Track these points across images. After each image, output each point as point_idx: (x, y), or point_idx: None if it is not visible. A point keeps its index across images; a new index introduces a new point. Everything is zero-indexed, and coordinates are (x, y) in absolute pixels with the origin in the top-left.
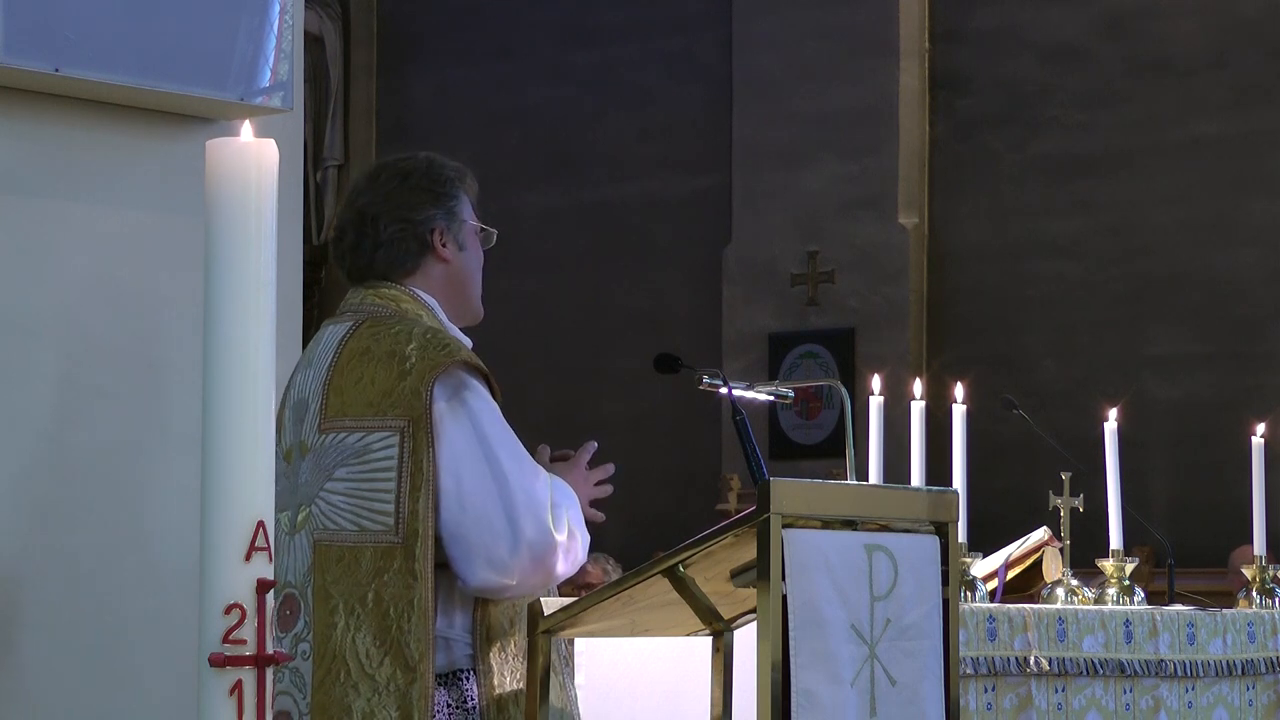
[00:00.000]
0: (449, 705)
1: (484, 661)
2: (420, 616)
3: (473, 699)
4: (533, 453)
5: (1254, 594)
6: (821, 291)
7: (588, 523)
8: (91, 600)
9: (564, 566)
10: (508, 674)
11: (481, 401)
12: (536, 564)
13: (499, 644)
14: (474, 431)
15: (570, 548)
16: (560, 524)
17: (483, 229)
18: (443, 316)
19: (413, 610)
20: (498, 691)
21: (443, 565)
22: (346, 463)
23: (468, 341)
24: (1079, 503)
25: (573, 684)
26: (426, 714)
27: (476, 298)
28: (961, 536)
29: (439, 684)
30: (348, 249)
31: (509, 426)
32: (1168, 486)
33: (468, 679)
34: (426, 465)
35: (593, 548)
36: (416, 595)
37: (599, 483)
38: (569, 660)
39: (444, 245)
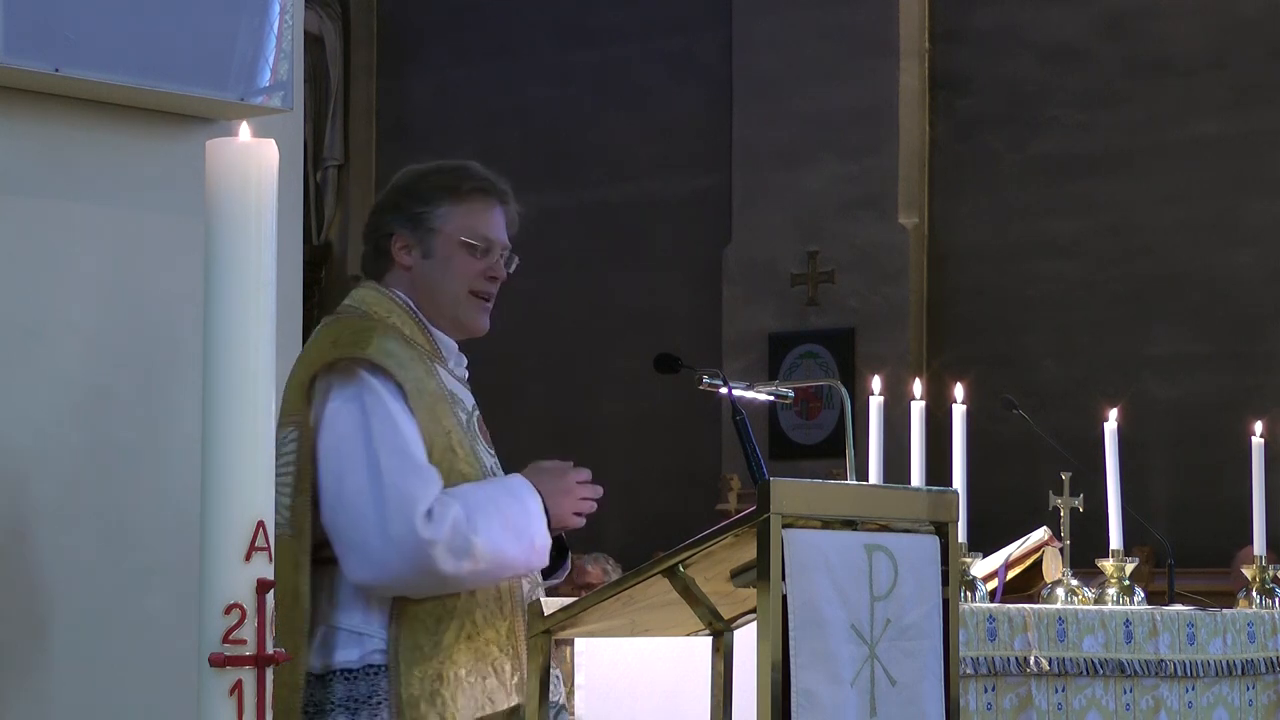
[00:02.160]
0: (354, 699)
1: (397, 658)
2: (297, 608)
3: (382, 694)
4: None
5: (1254, 594)
6: (821, 291)
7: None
8: (91, 600)
9: (453, 566)
10: (425, 671)
11: (374, 398)
12: (408, 562)
13: (417, 641)
14: (362, 429)
15: (458, 546)
16: (441, 522)
17: (466, 242)
18: (423, 318)
19: (292, 601)
20: (410, 689)
21: None
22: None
23: (451, 345)
24: (1079, 503)
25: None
26: (289, 707)
27: (454, 306)
28: (961, 536)
29: (348, 678)
30: None
31: (407, 424)
32: (1168, 486)
33: (378, 674)
34: (308, 461)
35: (593, 548)
36: (296, 585)
37: (585, 498)
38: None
39: (404, 252)
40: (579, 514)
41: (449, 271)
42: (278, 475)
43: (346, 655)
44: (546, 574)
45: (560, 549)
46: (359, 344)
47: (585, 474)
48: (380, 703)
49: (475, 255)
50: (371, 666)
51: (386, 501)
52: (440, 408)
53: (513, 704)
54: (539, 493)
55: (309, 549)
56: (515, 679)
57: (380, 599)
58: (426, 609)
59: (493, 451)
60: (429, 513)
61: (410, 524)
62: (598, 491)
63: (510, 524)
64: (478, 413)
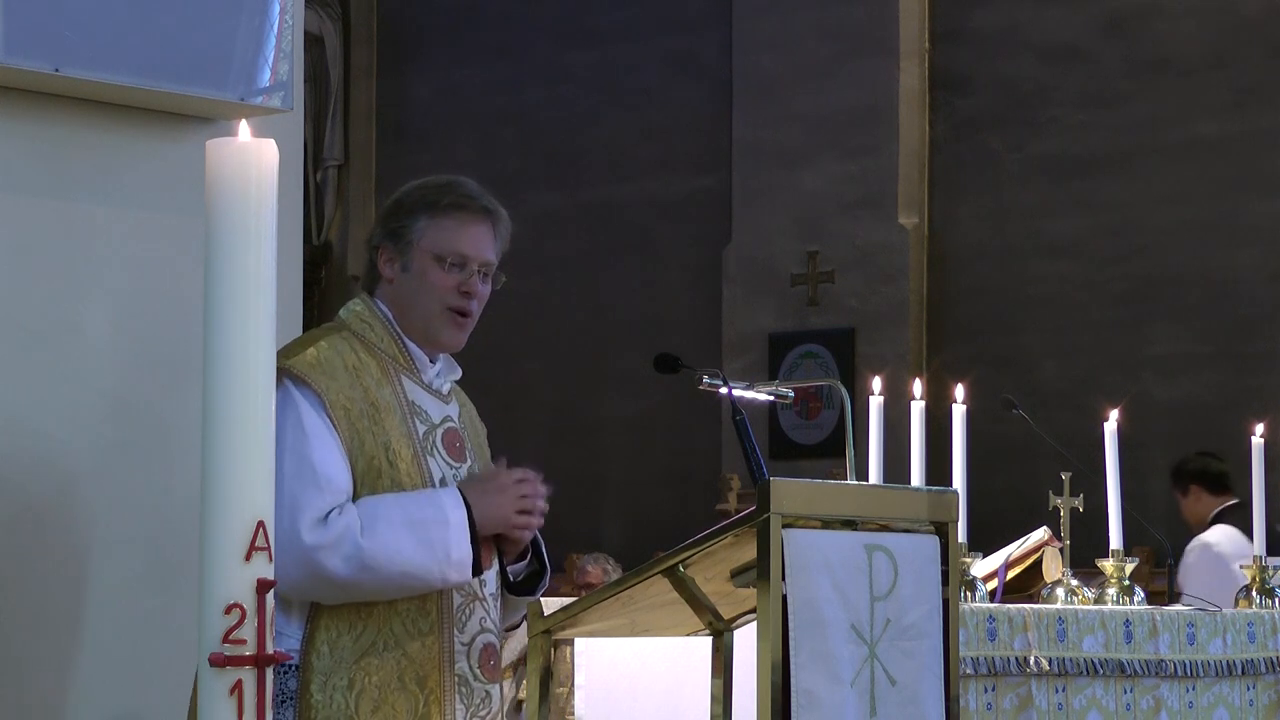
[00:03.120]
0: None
1: (306, 659)
2: None
3: (289, 694)
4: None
5: (1254, 594)
6: (821, 291)
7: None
8: (92, 600)
9: (343, 571)
10: (334, 676)
11: (292, 407)
12: (296, 565)
13: (331, 645)
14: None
15: (347, 552)
16: (331, 528)
17: (437, 256)
18: (398, 331)
19: None
20: (316, 692)
21: None
22: None
23: (424, 358)
24: (1079, 503)
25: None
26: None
27: (426, 321)
28: (961, 536)
29: None
30: None
31: (319, 433)
32: (1168, 486)
33: (289, 674)
34: None
35: (593, 548)
36: None
37: (525, 496)
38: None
39: (387, 265)
40: (524, 513)
41: (423, 286)
42: None
43: None
44: (523, 590)
45: (541, 564)
46: (289, 353)
47: (519, 473)
48: (285, 701)
49: (446, 270)
50: (283, 666)
51: (281, 507)
52: (388, 417)
53: (429, 703)
54: (467, 504)
55: None
56: (439, 693)
57: (302, 602)
58: (343, 614)
59: (458, 464)
60: (324, 519)
61: (295, 529)
62: (540, 490)
63: (419, 533)
64: (449, 425)
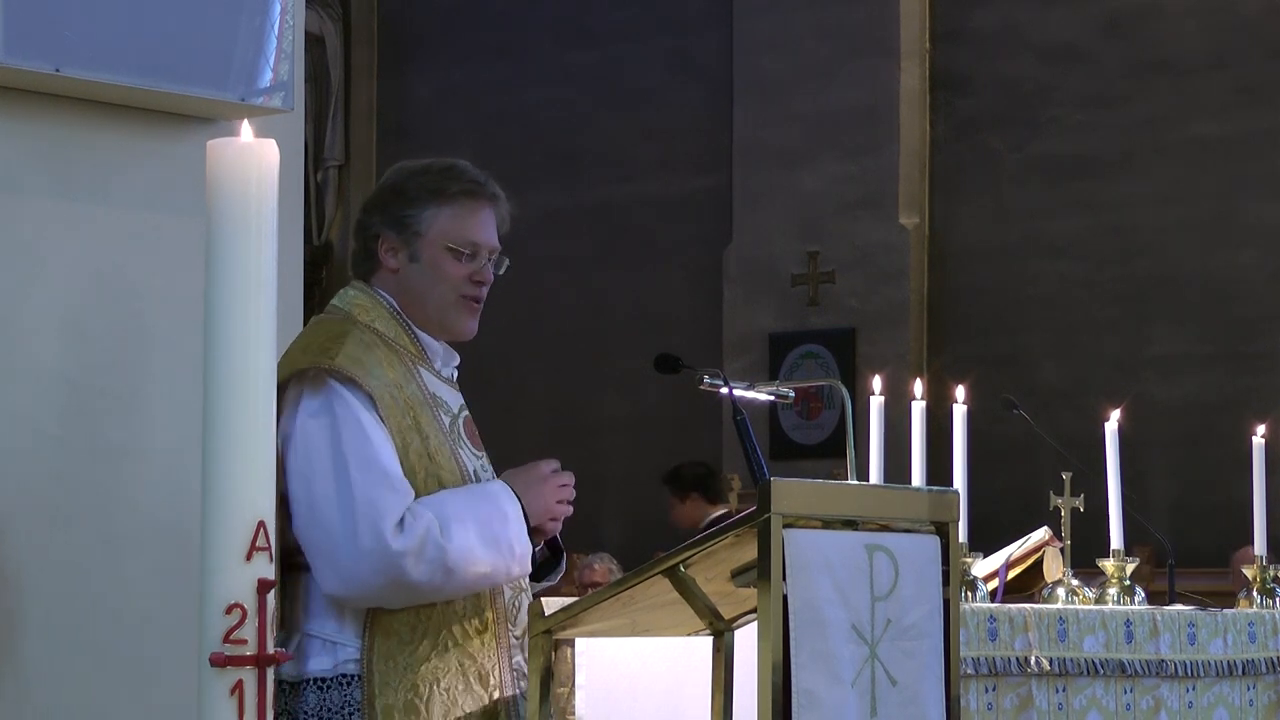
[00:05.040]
0: (327, 708)
1: (369, 667)
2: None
3: (354, 704)
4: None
5: (1254, 594)
6: (821, 291)
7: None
8: (92, 600)
9: (425, 576)
10: (401, 682)
11: (345, 409)
12: (379, 574)
13: (391, 651)
14: (331, 439)
15: (430, 556)
16: (412, 532)
17: (451, 247)
18: (408, 321)
19: None
20: (385, 700)
21: None
22: None
23: (437, 346)
24: (1079, 503)
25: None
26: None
27: (440, 311)
28: (962, 536)
29: (320, 687)
30: None
31: (377, 433)
32: (1168, 486)
33: (352, 684)
34: (278, 469)
35: (593, 548)
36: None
37: (563, 484)
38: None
39: (390, 255)
40: (561, 502)
41: (436, 276)
42: None
43: (320, 664)
44: (539, 577)
45: (555, 552)
46: (328, 352)
47: (554, 464)
48: (353, 713)
49: (460, 260)
50: (345, 676)
51: (356, 513)
52: (420, 413)
53: (494, 699)
54: (517, 497)
55: (279, 556)
56: (496, 683)
57: (356, 608)
58: (402, 619)
59: (480, 453)
60: (400, 523)
61: (380, 535)
62: (570, 479)
63: (486, 532)
64: (465, 414)
